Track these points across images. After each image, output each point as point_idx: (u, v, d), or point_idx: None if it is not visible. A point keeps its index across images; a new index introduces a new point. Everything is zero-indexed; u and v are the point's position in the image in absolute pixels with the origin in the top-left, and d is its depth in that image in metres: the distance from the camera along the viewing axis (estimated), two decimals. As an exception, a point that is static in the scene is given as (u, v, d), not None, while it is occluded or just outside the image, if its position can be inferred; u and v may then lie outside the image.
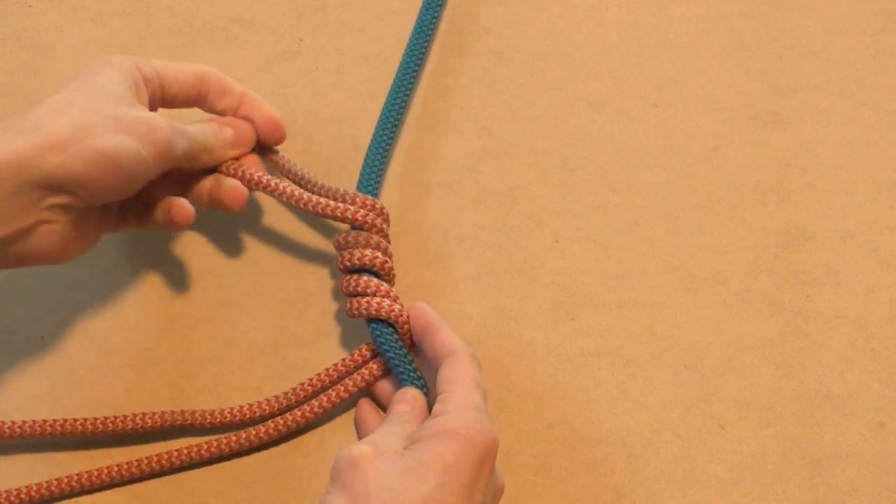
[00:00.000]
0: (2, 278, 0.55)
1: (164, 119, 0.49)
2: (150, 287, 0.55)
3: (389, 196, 0.58)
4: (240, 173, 0.54)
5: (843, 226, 0.57)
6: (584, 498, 0.49)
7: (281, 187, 0.53)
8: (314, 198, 0.53)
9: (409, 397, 0.49)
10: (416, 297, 0.54)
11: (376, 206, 0.53)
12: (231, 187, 0.53)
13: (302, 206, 0.53)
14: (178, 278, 0.55)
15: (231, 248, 0.56)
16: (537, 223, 0.57)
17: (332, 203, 0.53)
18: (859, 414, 0.51)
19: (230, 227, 0.57)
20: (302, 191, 0.53)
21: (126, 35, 0.64)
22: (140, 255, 0.56)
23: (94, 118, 0.47)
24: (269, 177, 0.54)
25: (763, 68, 0.63)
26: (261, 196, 0.58)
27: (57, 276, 0.55)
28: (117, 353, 0.53)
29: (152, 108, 0.52)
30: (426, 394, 0.50)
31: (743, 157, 0.59)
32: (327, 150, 0.60)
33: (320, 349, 0.53)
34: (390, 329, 0.51)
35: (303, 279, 0.55)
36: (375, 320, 0.51)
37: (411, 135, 0.60)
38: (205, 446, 0.50)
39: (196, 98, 0.54)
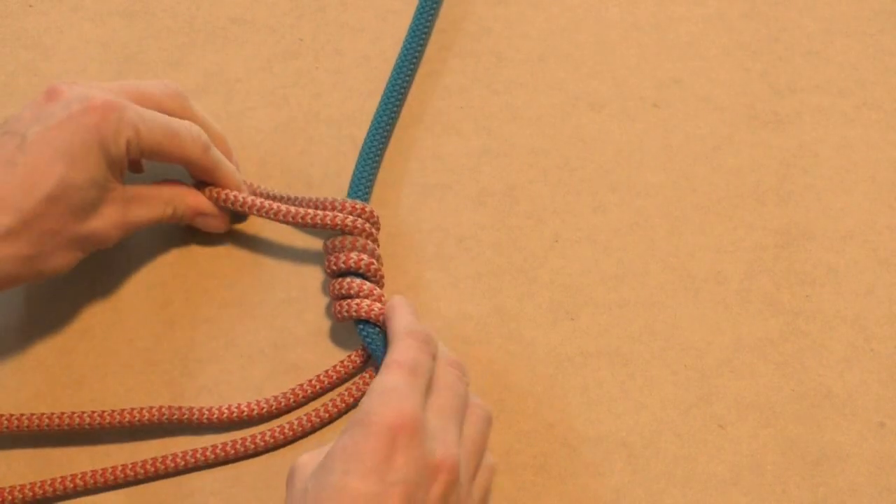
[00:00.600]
0: (2, 278, 0.55)
1: (117, 216, 0.51)
2: (150, 287, 0.55)
3: (389, 196, 0.58)
4: (222, 197, 0.55)
5: (843, 226, 0.57)
6: (584, 498, 0.49)
7: (267, 205, 0.54)
8: (301, 210, 0.53)
9: None
10: (416, 297, 0.54)
11: (365, 209, 0.53)
12: (211, 217, 0.55)
13: (290, 220, 0.53)
14: (178, 278, 0.55)
15: (231, 248, 0.56)
16: (537, 223, 0.57)
17: (319, 213, 0.53)
18: (859, 414, 0.51)
19: (230, 228, 0.57)
20: (287, 206, 0.54)
21: (126, 35, 0.64)
22: (140, 255, 0.56)
23: (51, 240, 0.48)
24: (254, 198, 0.55)
25: (763, 68, 0.63)
26: (261, 196, 0.58)
27: (57, 276, 0.55)
28: (117, 353, 0.53)
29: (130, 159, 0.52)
30: None
31: (743, 157, 0.59)
32: (327, 150, 0.60)
33: (320, 349, 0.53)
34: (377, 330, 0.51)
35: (303, 279, 0.55)
36: (363, 322, 0.51)
37: (411, 135, 0.60)
38: (209, 449, 0.50)
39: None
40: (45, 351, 0.53)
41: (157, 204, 0.53)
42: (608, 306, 0.54)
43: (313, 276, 0.56)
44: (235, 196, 0.55)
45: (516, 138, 0.60)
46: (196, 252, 0.56)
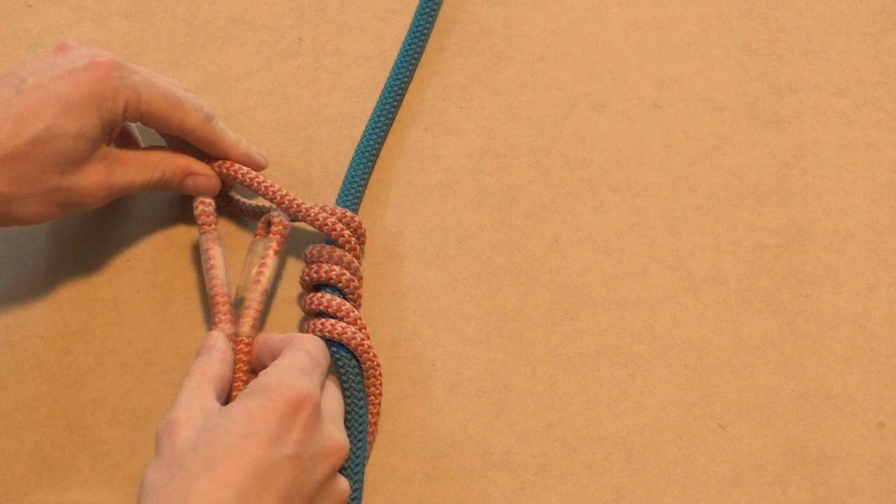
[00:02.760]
0: (2, 278, 0.55)
1: (101, 176, 0.50)
2: (150, 287, 0.55)
3: (389, 196, 0.58)
4: (224, 169, 0.54)
5: (843, 226, 0.57)
6: (584, 498, 0.49)
7: (267, 184, 0.53)
8: (292, 198, 0.53)
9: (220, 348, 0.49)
10: (416, 297, 0.54)
11: (353, 220, 0.53)
12: (202, 177, 0.54)
13: (279, 202, 0.53)
14: (178, 278, 0.55)
15: (231, 248, 0.56)
16: (537, 223, 0.57)
17: (312, 206, 0.53)
18: (859, 414, 0.51)
19: (231, 228, 0.57)
20: (283, 190, 0.53)
21: (126, 35, 0.64)
22: (140, 255, 0.56)
23: (29, 185, 0.48)
24: (257, 175, 0.54)
25: (763, 68, 0.63)
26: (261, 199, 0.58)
27: (57, 276, 0.55)
28: (117, 353, 0.53)
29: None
30: (364, 412, 0.50)
31: (743, 157, 0.59)
32: (327, 150, 0.60)
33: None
34: (350, 354, 0.50)
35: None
36: (335, 344, 0.50)
37: (410, 134, 0.60)
38: None
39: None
40: (45, 351, 0.53)
41: (145, 167, 0.52)
42: (608, 306, 0.54)
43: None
44: (238, 168, 0.54)
45: (516, 138, 0.60)
46: (196, 252, 0.56)
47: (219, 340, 0.49)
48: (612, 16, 0.65)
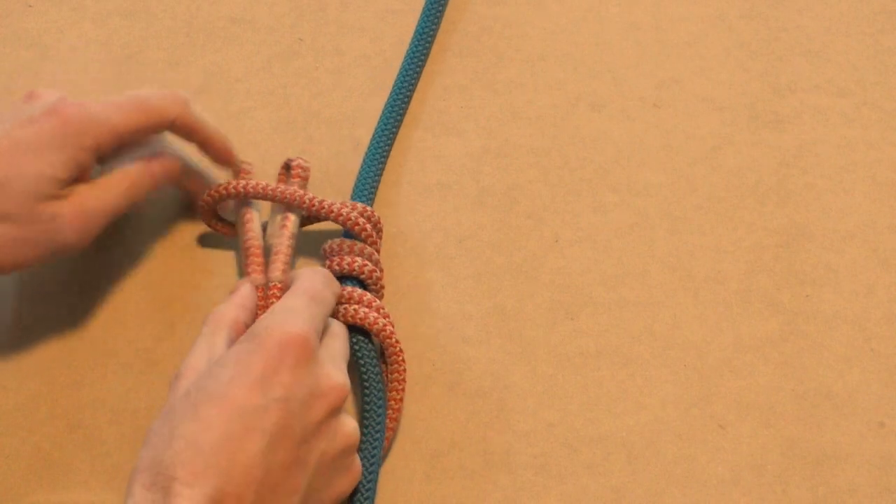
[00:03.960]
0: (1, 278, 0.55)
1: (72, 208, 0.49)
2: (150, 287, 0.55)
3: (389, 195, 0.58)
4: (231, 190, 0.53)
5: (843, 226, 0.57)
6: (584, 498, 0.49)
7: (280, 189, 0.53)
8: (309, 195, 0.53)
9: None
10: (416, 297, 0.54)
11: (373, 214, 0.53)
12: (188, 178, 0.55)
13: (297, 202, 0.53)
14: (178, 278, 0.55)
15: (231, 248, 0.56)
16: (537, 223, 0.57)
17: (327, 201, 0.52)
18: (859, 414, 0.51)
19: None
20: (297, 189, 0.53)
21: (126, 35, 0.64)
22: (140, 255, 0.56)
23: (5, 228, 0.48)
24: (267, 182, 0.54)
25: (763, 68, 0.63)
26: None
27: (57, 276, 0.55)
28: (117, 353, 0.53)
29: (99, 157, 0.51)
30: (382, 408, 0.49)
31: (743, 157, 0.59)
32: (327, 150, 0.60)
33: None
34: (370, 345, 0.50)
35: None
36: (357, 331, 0.51)
37: (411, 135, 0.60)
38: None
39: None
40: (45, 351, 0.53)
41: (111, 184, 0.51)
42: (608, 306, 0.54)
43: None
44: (244, 185, 0.53)
45: (516, 138, 0.60)
46: (196, 252, 0.56)
47: (242, 287, 0.50)
48: (612, 16, 0.65)
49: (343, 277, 0.52)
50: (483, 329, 0.54)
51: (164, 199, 0.57)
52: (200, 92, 0.61)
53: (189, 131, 0.53)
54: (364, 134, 0.59)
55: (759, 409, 0.51)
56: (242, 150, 0.59)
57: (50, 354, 0.53)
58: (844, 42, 0.64)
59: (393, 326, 0.51)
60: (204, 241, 0.56)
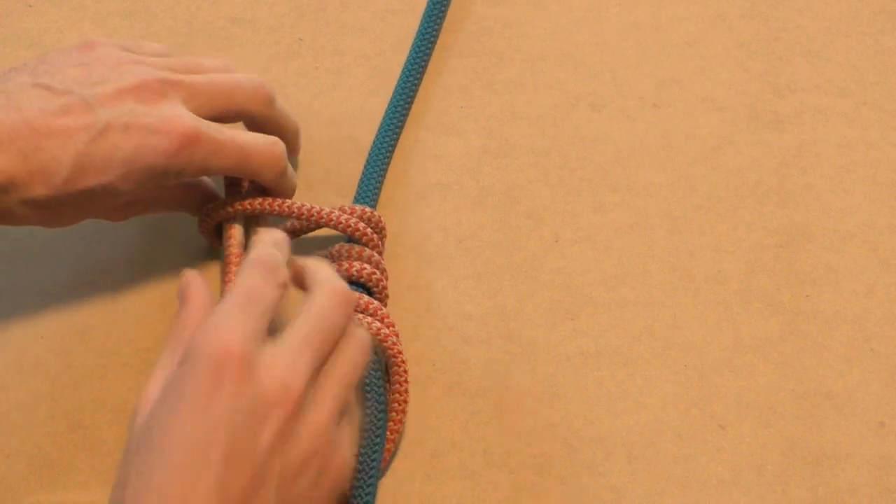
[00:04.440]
0: (1, 278, 0.55)
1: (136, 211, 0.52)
2: (150, 287, 0.55)
3: (390, 196, 0.58)
4: (243, 207, 0.53)
5: (843, 226, 0.57)
6: (584, 498, 0.49)
7: (280, 202, 0.52)
8: (308, 205, 0.52)
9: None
10: (416, 297, 0.54)
11: (373, 216, 0.53)
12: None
13: (295, 212, 0.52)
14: (178, 278, 0.55)
15: (231, 248, 0.56)
16: (537, 223, 0.57)
17: (326, 210, 0.52)
18: (859, 414, 0.51)
19: (230, 227, 0.57)
20: (295, 201, 0.53)
21: (126, 35, 0.64)
22: (140, 255, 0.56)
23: (68, 214, 0.49)
24: (269, 199, 0.53)
25: (763, 68, 0.63)
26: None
27: (57, 275, 0.55)
28: (117, 353, 0.53)
29: None
30: (383, 422, 0.49)
31: (743, 157, 0.59)
32: (327, 150, 0.60)
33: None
34: (374, 357, 0.49)
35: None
36: None
37: (411, 135, 0.60)
38: None
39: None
40: (45, 351, 0.53)
41: (165, 208, 0.54)
42: (608, 306, 0.54)
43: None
44: (256, 203, 0.52)
45: (516, 138, 0.60)
46: (196, 252, 0.56)
47: (194, 294, 0.45)
48: (612, 16, 0.65)
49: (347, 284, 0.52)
50: (483, 329, 0.54)
51: (164, 199, 0.57)
52: (200, 92, 0.61)
53: (264, 126, 0.53)
54: (364, 134, 0.59)
55: (759, 409, 0.51)
56: (242, 150, 0.59)
57: (50, 354, 0.53)
58: (844, 42, 0.64)
59: (398, 336, 0.50)
60: (204, 241, 0.56)
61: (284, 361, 0.40)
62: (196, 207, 0.54)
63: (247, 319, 0.40)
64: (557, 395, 0.52)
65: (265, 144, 0.51)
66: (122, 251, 0.56)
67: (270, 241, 0.46)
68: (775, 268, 0.56)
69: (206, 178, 0.55)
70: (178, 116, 0.48)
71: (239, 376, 0.39)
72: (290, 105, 0.61)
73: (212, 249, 0.56)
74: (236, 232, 0.53)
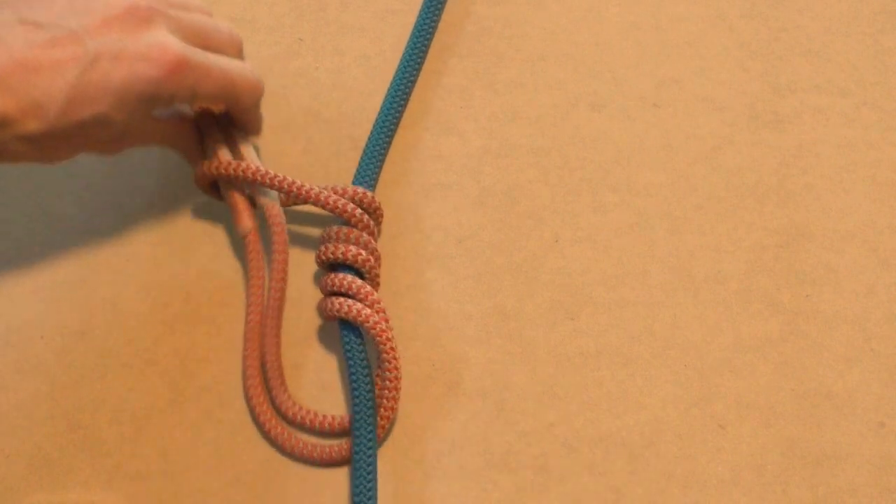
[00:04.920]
0: (2, 277, 0.55)
1: (131, 143, 0.52)
2: (150, 287, 0.55)
3: (389, 195, 0.58)
4: (232, 170, 0.53)
5: (843, 226, 0.57)
6: (584, 498, 0.49)
7: (271, 174, 0.53)
8: (306, 185, 0.52)
9: None
10: (416, 297, 0.54)
11: (367, 196, 0.53)
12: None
13: (286, 188, 0.52)
14: (177, 279, 0.55)
15: (231, 247, 0.56)
16: (537, 223, 0.57)
17: (317, 189, 0.52)
18: (859, 414, 0.51)
19: (231, 227, 0.57)
20: (294, 179, 0.53)
21: (126, 35, 0.64)
22: (140, 255, 0.56)
23: (64, 145, 0.49)
24: (266, 169, 0.53)
25: (763, 68, 0.63)
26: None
27: (57, 275, 0.55)
28: (117, 353, 0.53)
29: None
30: (373, 409, 0.49)
31: (743, 157, 0.59)
32: (327, 150, 0.60)
33: (320, 348, 0.53)
34: (360, 340, 0.50)
35: (302, 280, 0.55)
36: (347, 326, 0.50)
37: (411, 134, 0.60)
38: None
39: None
40: (45, 351, 0.53)
41: (156, 140, 0.54)
42: (608, 306, 0.54)
43: (313, 277, 0.56)
44: (247, 167, 0.53)
45: (516, 138, 0.60)
46: (197, 252, 0.56)
47: None
48: (612, 16, 0.65)
49: (338, 266, 0.52)
50: (483, 329, 0.54)
51: (165, 198, 0.57)
52: (200, 92, 0.62)
53: (241, 119, 0.55)
54: (363, 134, 0.59)
55: (759, 409, 0.51)
56: (242, 150, 0.59)
57: (50, 354, 0.53)
58: (844, 42, 0.64)
59: (388, 322, 0.50)
60: (204, 241, 0.57)
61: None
62: (184, 145, 0.55)
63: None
64: (557, 395, 0.52)
65: (247, 70, 0.53)
66: (122, 251, 0.56)
67: None
68: (775, 268, 0.56)
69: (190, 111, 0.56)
70: (167, 43, 0.49)
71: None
72: (290, 105, 0.61)
73: (212, 252, 0.56)
74: (237, 195, 0.54)
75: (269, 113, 0.61)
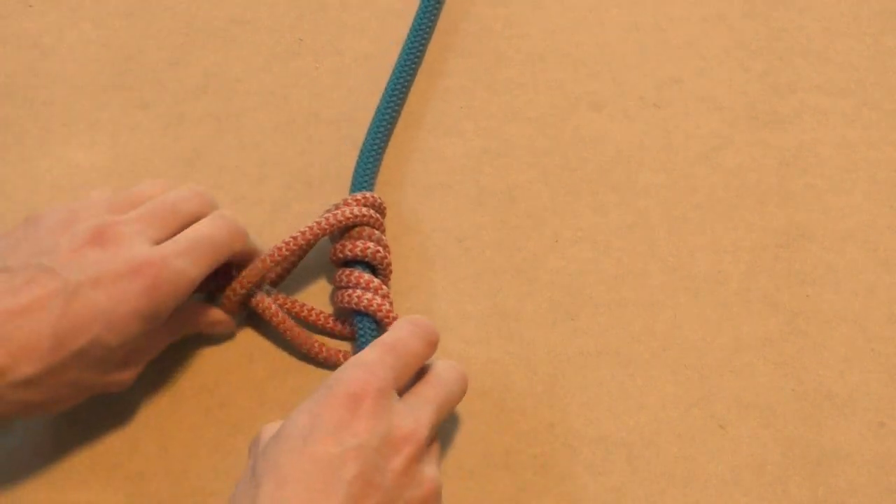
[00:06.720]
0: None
1: (137, 366, 0.49)
2: (150, 287, 0.55)
3: (390, 196, 0.58)
4: (247, 301, 0.53)
5: (843, 226, 0.57)
6: (584, 498, 0.49)
7: (288, 245, 0.52)
8: (320, 224, 0.52)
9: None
10: (416, 297, 0.54)
11: (370, 199, 0.54)
12: (220, 324, 0.53)
13: (305, 241, 0.52)
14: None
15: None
16: (537, 223, 0.57)
17: (322, 218, 0.52)
18: (859, 414, 0.51)
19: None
20: (299, 232, 0.52)
21: (126, 35, 0.64)
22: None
23: (67, 389, 0.46)
24: (272, 299, 0.53)
25: (763, 68, 0.63)
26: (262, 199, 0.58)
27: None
28: (117, 353, 0.53)
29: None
30: None
31: (743, 157, 0.59)
32: (327, 150, 0.60)
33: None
34: (374, 326, 0.51)
35: (302, 280, 0.55)
36: (361, 314, 0.52)
37: (411, 135, 0.60)
38: None
39: None
40: (45, 351, 0.53)
41: (169, 333, 0.51)
42: (608, 306, 0.54)
43: (313, 276, 0.56)
44: (260, 299, 0.52)
45: (516, 138, 0.60)
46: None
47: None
48: (612, 16, 0.65)
49: (351, 262, 0.53)
50: (483, 329, 0.54)
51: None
52: (200, 92, 0.62)
53: (244, 261, 0.52)
54: (363, 134, 0.59)
55: (759, 409, 0.51)
56: (243, 150, 0.59)
57: (50, 354, 0.53)
58: (844, 42, 0.64)
59: (394, 313, 0.52)
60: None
61: (413, 408, 0.44)
62: (203, 323, 0.53)
63: (387, 366, 0.44)
64: (557, 395, 0.52)
65: (226, 221, 0.50)
66: (122, 251, 0.56)
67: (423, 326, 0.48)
68: (775, 268, 0.56)
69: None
70: (142, 255, 0.46)
71: (376, 410, 0.42)
72: (290, 105, 0.61)
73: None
74: (264, 298, 0.53)
75: (270, 113, 0.61)
